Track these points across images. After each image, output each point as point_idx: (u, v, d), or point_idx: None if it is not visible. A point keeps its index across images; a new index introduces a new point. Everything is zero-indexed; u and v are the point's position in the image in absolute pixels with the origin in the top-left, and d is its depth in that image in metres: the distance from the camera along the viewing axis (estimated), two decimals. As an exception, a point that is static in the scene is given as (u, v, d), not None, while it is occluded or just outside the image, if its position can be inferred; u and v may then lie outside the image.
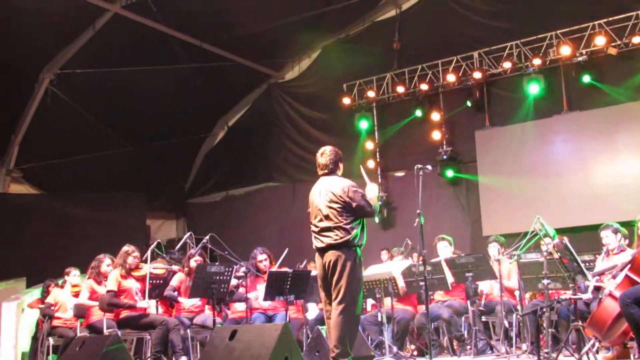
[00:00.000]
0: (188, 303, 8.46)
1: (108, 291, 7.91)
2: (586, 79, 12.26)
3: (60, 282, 10.38)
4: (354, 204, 6.11)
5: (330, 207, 6.15)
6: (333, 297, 6.06)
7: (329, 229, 6.14)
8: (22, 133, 14.39)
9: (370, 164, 14.66)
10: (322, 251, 6.17)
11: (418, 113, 14.13)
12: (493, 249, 8.65)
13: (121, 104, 14.59)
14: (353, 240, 6.09)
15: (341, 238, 6.07)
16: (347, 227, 6.10)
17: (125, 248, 8.19)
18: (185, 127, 16.29)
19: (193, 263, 8.54)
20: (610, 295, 5.90)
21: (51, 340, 9.21)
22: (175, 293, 8.50)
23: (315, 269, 9.85)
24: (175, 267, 8.66)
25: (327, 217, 6.16)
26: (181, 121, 15.91)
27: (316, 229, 6.25)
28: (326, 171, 6.39)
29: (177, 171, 17.50)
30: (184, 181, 17.79)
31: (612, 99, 12.16)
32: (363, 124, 14.76)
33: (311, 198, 6.42)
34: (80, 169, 15.09)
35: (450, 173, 13.68)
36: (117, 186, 15.72)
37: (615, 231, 7.43)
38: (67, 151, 14.76)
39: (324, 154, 6.42)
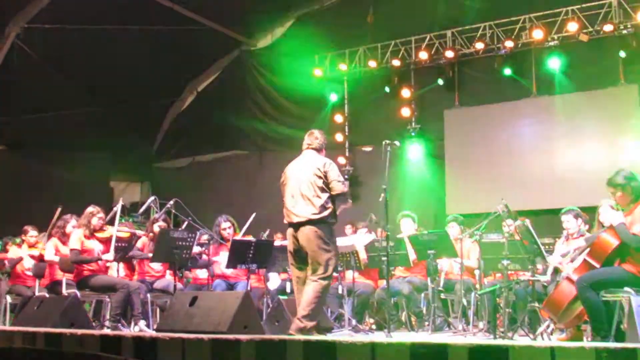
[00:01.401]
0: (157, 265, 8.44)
1: (72, 249, 7.82)
2: (556, 63, 12.36)
3: (17, 240, 10.24)
4: (329, 180, 6.19)
5: (311, 183, 6.22)
6: (311, 270, 6.14)
7: (306, 204, 6.20)
8: (-14, 88, 14.07)
9: (339, 137, 14.65)
10: (297, 225, 6.23)
11: (388, 89, 14.13)
12: (452, 230, 8.74)
13: (89, 62, 14.31)
14: (328, 217, 6.18)
15: (318, 214, 6.14)
16: (324, 203, 6.17)
17: (90, 209, 8.10)
18: (154, 90, 16.05)
19: (156, 227, 8.50)
20: (568, 278, 6.00)
21: (9, 299, 9.12)
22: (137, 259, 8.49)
23: (280, 240, 9.91)
24: (139, 232, 8.60)
25: (306, 192, 6.22)
26: (150, 84, 15.66)
27: (292, 203, 6.30)
28: (312, 147, 6.49)
29: (144, 134, 17.29)
30: (150, 144, 17.60)
31: (581, 85, 12.29)
32: (333, 97, 14.71)
33: (288, 172, 6.48)
34: (44, 127, 14.80)
35: (417, 150, 13.74)
36: (82, 145, 15.49)
37: (576, 216, 7.56)
38: (32, 108, 14.46)
39: (313, 134, 6.57)
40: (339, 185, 6.21)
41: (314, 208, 6.16)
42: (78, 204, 8.45)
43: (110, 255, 7.87)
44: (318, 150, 6.50)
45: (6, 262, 9.82)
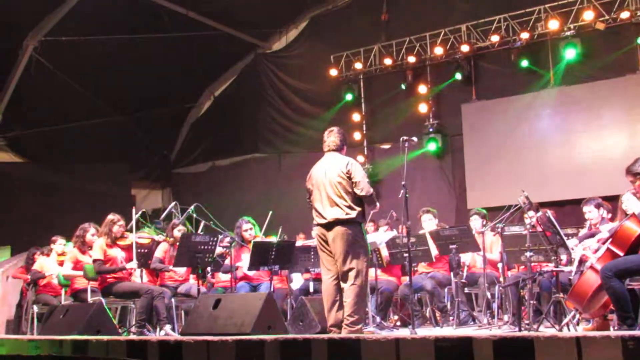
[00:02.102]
0: (180, 270, 8.47)
1: (95, 260, 7.88)
2: (573, 53, 12.25)
3: (45, 250, 10.33)
4: (354, 180, 6.22)
5: (335, 186, 6.28)
6: (343, 270, 6.18)
7: (333, 207, 6.25)
8: (6, 101, 14.20)
9: (357, 135, 14.64)
10: (327, 226, 6.28)
11: (405, 86, 14.10)
12: (475, 222, 8.70)
13: (107, 73, 14.44)
14: (357, 217, 6.23)
15: (347, 214, 6.20)
16: (351, 204, 6.22)
17: (111, 217, 8.15)
18: (171, 96, 16.18)
19: (177, 233, 8.54)
20: (592, 267, 5.94)
21: (35, 308, 9.20)
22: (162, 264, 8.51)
23: (302, 240, 9.93)
24: (158, 237, 8.64)
25: (332, 195, 6.27)
26: (167, 91, 15.79)
27: (320, 206, 6.34)
28: (333, 148, 6.50)
29: (163, 141, 17.41)
30: (169, 151, 17.72)
31: (599, 74, 12.18)
32: (349, 96, 14.70)
33: (314, 174, 6.51)
34: (65, 138, 14.98)
35: (436, 146, 13.68)
36: (103, 155, 15.64)
37: (598, 206, 7.47)
38: (51, 120, 14.62)
39: (332, 133, 6.57)
40: (365, 185, 6.22)
41: (340, 210, 6.22)
42: (101, 214, 8.49)
43: (134, 264, 7.93)
44: (339, 150, 6.52)
45: (30, 273, 9.92)
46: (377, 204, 6.47)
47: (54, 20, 13.18)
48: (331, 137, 6.55)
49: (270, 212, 9.21)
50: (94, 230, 8.46)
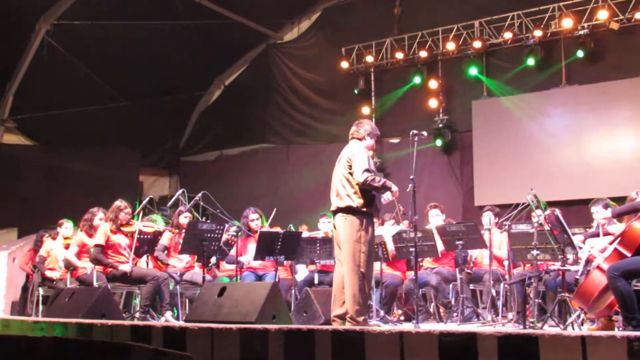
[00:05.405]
0: (179, 265, 8.46)
1: (96, 245, 7.89)
2: (586, 53, 12.19)
3: (52, 233, 10.34)
4: (353, 167, 6.19)
5: (341, 173, 6.34)
6: (342, 258, 6.24)
7: (335, 194, 6.36)
8: (17, 83, 14.21)
9: (366, 129, 14.58)
10: (333, 214, 6.40)
11: (416, 80, 14.06)
12: (487, 219, 8.66)
13: (118, 58, 14.42)
14: (358, 207, 6.21)
15: (345, 203, 6.24)
16: (352, 193, 6.22)
17: (118, 203, 8.14)
18: (182, 84, 16.17)
19: (183, 219, 8.55)
20: (598, 267, 5.92)
21: (41, 291, 9.23)
22: (165, 253, 8.49)
23: (307, 231, 9.96)
24: (162, 227, 8.60)
25: (336, 182, 6.37)
26: (177, 78, 15.79)
27: (331, 193, 6.45)
28: (353, 136, 6.55)
29: (172, 128, 17.42)
30: (178, 139, 17.73)
31: (611, 74, 12.11)
32: (359, 89, 14.64)
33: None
34: (74, 122, 14.97)
35: (445, 141, 13.64)
36: (111, 140, 15.66)
37: (606, 206, 7.43)
38: (62, 103, 14.61)
39: (360, 124, 6.60)
40: (357, 175, 6.17)
41: (339, 197, 6.29)
42: (108, 199, 8.50)
43: (127, 267, 7.82)
44: (360, 139, 6.51)
45: (37, 258, 9.95)
46: (390, 197, 6.37)
47: (67, 3, 13.17)
48: (354, 127, 6.59)
49: (275, 210, 9.18)
50: (102, 214, 8.47)
